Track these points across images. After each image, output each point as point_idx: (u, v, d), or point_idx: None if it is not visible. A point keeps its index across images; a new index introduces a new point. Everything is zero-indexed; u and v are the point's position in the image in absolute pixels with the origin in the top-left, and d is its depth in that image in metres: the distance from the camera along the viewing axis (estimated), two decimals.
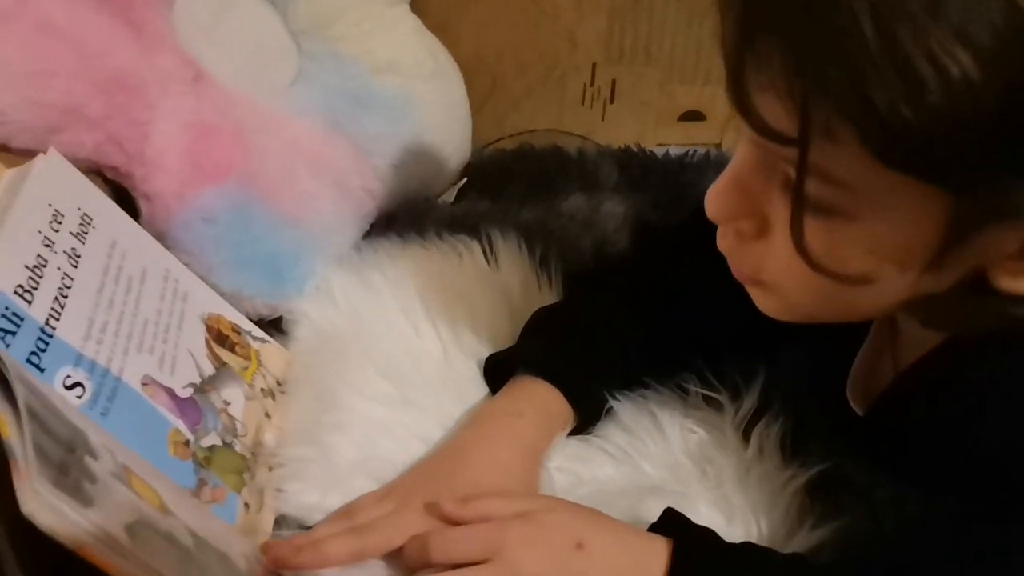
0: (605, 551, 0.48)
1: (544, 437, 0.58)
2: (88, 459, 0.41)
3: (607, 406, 0.62)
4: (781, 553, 0.51)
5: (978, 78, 0.31)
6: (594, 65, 0.94)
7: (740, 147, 0.42)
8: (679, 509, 0.53)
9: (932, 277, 0.39)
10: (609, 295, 0.65)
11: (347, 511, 0.54)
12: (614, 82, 0.95)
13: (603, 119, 0.96)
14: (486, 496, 0.52)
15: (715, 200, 0.43)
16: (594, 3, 0.91)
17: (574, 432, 0.61)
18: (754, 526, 0.57)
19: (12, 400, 0.37)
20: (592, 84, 0.95)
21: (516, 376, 0.61)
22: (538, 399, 0.59)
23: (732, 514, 0.57)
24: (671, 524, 0.51)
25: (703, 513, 0.56)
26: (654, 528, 0.51)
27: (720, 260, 0.47)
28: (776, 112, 0.36)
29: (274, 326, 0.71)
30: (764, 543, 0.55)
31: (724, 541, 0.50)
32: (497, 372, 0.63)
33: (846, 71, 0.33)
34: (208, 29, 0.75)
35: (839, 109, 0.34)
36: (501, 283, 0.74)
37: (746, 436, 0.61)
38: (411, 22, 0.83)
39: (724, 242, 0.45)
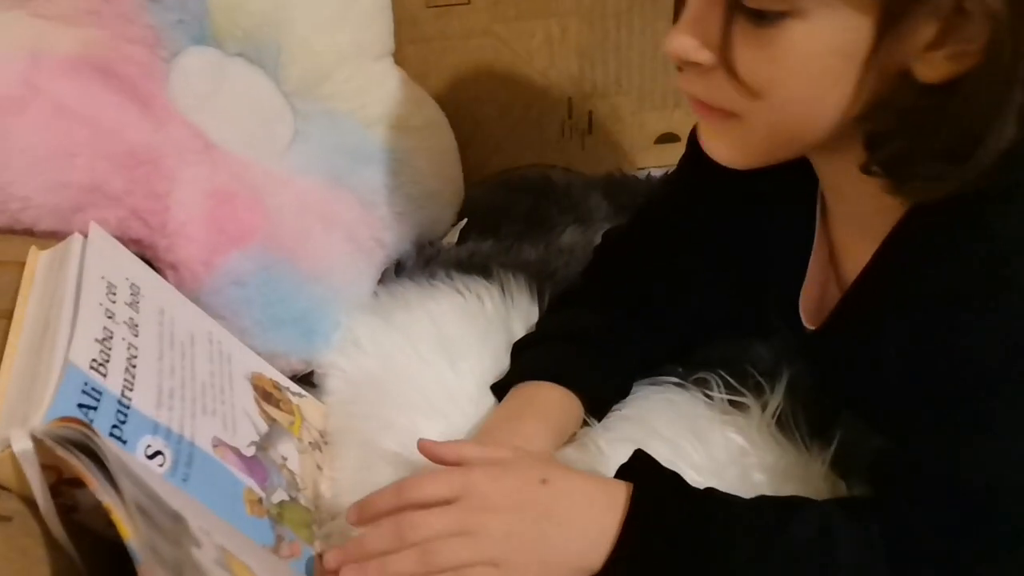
0: (569, 486, 0.51)
1: (544, 428, 0.61)
2: (194, 550, 0.41)
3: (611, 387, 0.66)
4: (743, 498, 0.52)
5: None
6: (570, 99, 0.98)
7: None
8: None
9: (864, 89, 0.43)
10: (573, 306, 0.70)
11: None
12: (590, 114, 0.99)
13: (583, 149, 1.00)
14: (463, 443, 0.57)
15: (674, 39, 0.46)
16: (563, 47, 0.95)
17: (592, 408, 0.64)
18: None
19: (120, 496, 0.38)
20: (570, 118, 0.99)
21: (512, 389, 0.64)
22: (530, 397, 0.63)
23: None
24: (637, 467, 0.53)
25: None
26: (623, 469, 0.54)
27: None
28: None
29: (306, 380, 0.72)
30: None
31: (688, 486, 0.52)
32: (500, 396, 0.66)
33: None
34: (205, 98, 0.76)
35: None
36: (515, 320, 0.76)
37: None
38: (397, 75, 0.86)
39: (689, 83, 0.48)
